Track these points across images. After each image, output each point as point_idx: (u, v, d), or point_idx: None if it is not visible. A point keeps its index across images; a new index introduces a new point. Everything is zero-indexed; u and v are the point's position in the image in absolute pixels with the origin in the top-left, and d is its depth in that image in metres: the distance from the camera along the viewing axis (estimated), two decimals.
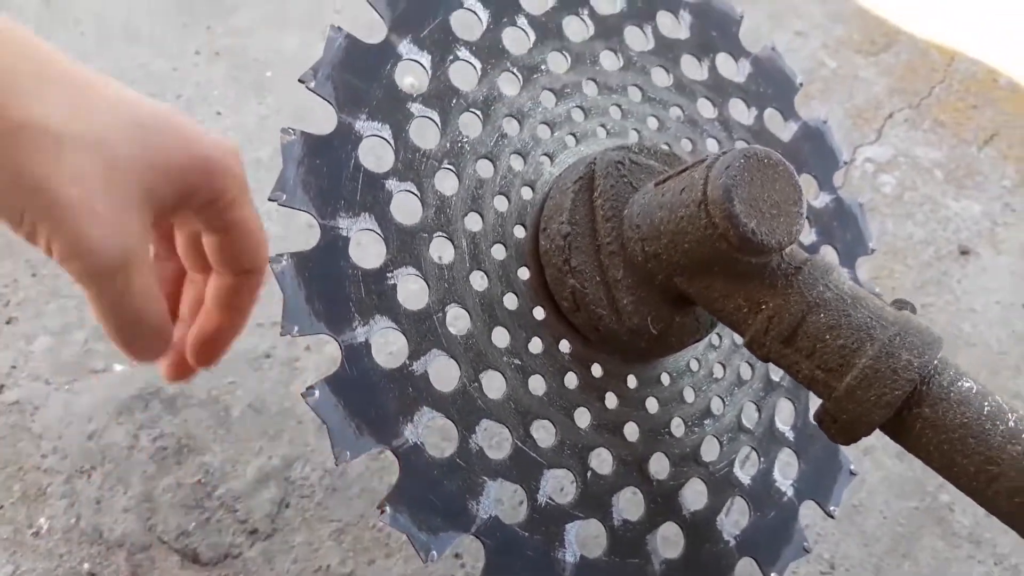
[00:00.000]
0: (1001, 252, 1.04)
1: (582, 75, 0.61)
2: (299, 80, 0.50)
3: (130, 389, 0.78)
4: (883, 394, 0.47)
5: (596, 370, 0.58)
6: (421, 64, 0.55)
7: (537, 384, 0.55)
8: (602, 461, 0.57)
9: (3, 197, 0.33)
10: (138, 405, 0.77)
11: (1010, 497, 0.47)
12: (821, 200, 0.71)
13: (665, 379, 0.61)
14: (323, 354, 0.82)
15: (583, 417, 0.56)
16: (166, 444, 0.76)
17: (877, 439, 0.56)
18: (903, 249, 1.02)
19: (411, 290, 0.53)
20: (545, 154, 0.58)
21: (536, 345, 0.56)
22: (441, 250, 0.53)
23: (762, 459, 0.64)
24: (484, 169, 0.56)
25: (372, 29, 0.55)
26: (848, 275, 0.71)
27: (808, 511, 0.67)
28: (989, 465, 0.47)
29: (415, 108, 0.54)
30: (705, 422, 0.62)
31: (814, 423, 0.52)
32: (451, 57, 0.56)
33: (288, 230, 0.89)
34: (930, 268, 1.01)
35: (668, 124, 0.64)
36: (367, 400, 0.48)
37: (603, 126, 0.61)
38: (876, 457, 0.85)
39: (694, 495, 0.61)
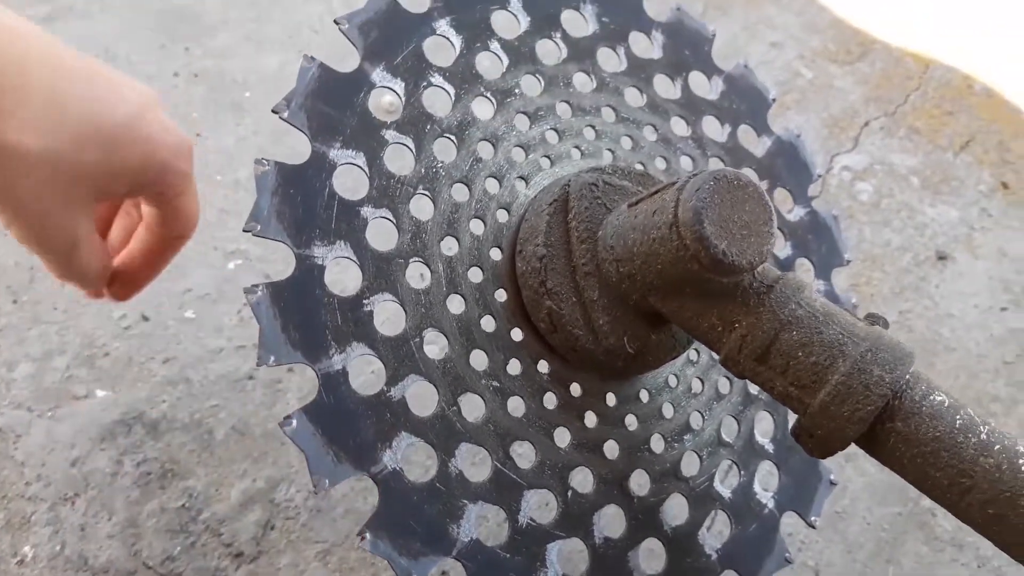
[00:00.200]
0: (978, 257, 1.05)
1: (556, 97, 0.62)
2: (272, 111, 0.51)
3: (113, 414, 0.78)
4: (856, 410, 0.48)
5: (575, 389, 0.58)
6: (395, 91, 0.55)
7: (516, 405, 0.55)
8: (583, 480, 0.57)
9: None
10: (121, 430, 0.77)
11: (983, 508, 0.48)
12: (796, 214, 0.72)
13: (644, 396, 0.61)
14: (306, 376, 0.82)
15: (563, 437, 0.57)
16: (150, 469, 0.76)
17: None
18: (881, 256, 1.03)
19: (388, 316, 0.54)
20: (520, 177, 0.59)
21: (514, 367, 0.56)
22: (417, 275, 0.54)
23: (742, 472, 0.65)
24: (459, 193, 0.56)
25: (351, 50, 0.55)
26: (824, 287, 0.72)
27: (792, 519, 0.68)
28: (962, 478, 0.48)
29: (389, 135, 0.54)
30: (685, 437, 0.62)
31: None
32: (424, 83, 0.56)
33: (267, 250, 0.89)
34: (908, 274, 1.02)
35: (642, 143, 0.65)
36: (345, 428, 0.48)
37: (577, 147, 0.62)
38: (858, 464, 0.86)
39: (675, 510, 0.61)
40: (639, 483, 0.60)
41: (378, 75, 0.54)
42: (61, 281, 0.48)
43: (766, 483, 0.66)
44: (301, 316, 0.48)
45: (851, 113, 1.18)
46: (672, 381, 0.63)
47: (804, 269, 0.72)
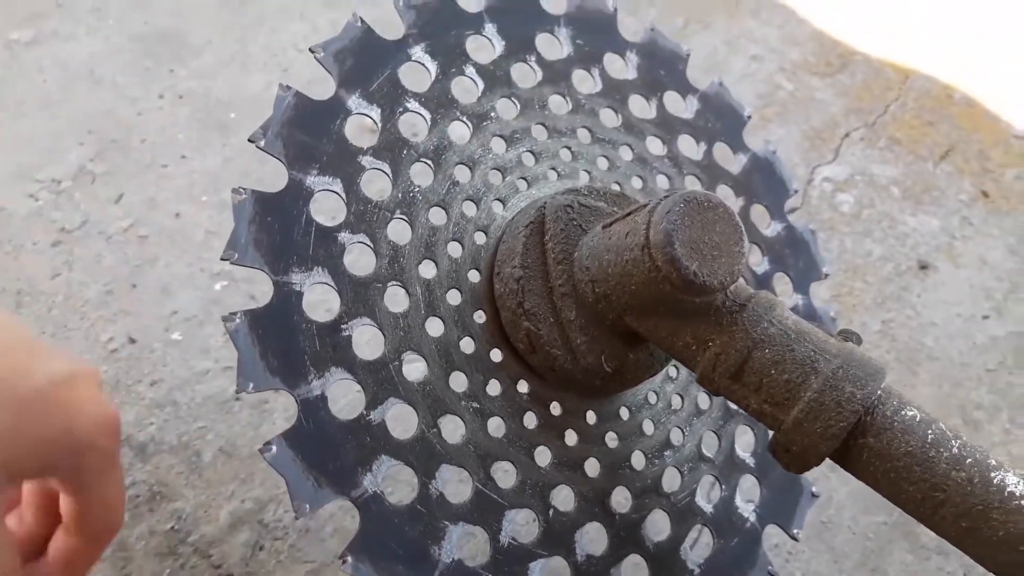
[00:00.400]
0: (960, 266, 1.06)
1: (531, 120, 0.62)
2: (249, 140, 0.51)
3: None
4: (828, 426, 0.49)
5: (555, 408, 0.59)
6: (371, 117, 0.56)
7: (496, 426, 0.56)
8: (564, 498, 0.58)
9: None
10: None
11: (956, 522, 0.49)
12: (772, 229, 0.73)
13: (624, 413, 0.62)
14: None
15: (543, 456, 0.57)
16: (138, 492, 0.76)
17: None
18: (862, 266, 1.04)
19: (366, 340, 0.54)
20: (497, 199, 0.60)
21: (494, 387, 0.57)
22: (395, 299, 0.54)
23: (723, 487, 0.65)
24: (437, 217, 0.57)
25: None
26: (802, 301, 0.72)
27: (778, 530, 0.68)
28: (935, 492, 0.49)
29: (366, 161, 0.55)
30: (665, 453, 0.63)
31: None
32: (400, 109, 0.57)
33: (253, 271, 0.90)
34: (890, 284, 1.03)
35: (618, 163, 0.66)
36: (325, 452, 0.49)
37: (554, 169, 0.63)
38: (843, 474, 0.86)
39: (657, 526, 0.62)
40: (621, 500, 0.60)
41: (354, 102, 0.55)
42: None
43: (747, 497, 0.66)
44: (279, 343, 0.49)
45: (832, 125, 1.19)
46: (652, 398, 0.63)
47: (783, 284, 0.73)
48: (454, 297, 0.56)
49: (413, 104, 0.58)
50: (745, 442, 0.68)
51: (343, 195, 0.53)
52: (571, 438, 0.59)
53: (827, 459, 0.51)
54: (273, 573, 0.73)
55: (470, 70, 0.61)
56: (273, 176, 0.52)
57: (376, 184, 0.57)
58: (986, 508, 0.48)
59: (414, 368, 0.54)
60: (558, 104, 0.64)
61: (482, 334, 0.57)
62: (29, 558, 0.46)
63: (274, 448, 0.47)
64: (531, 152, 0.62)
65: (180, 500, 0.76)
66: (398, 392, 0.52)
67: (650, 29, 0.71)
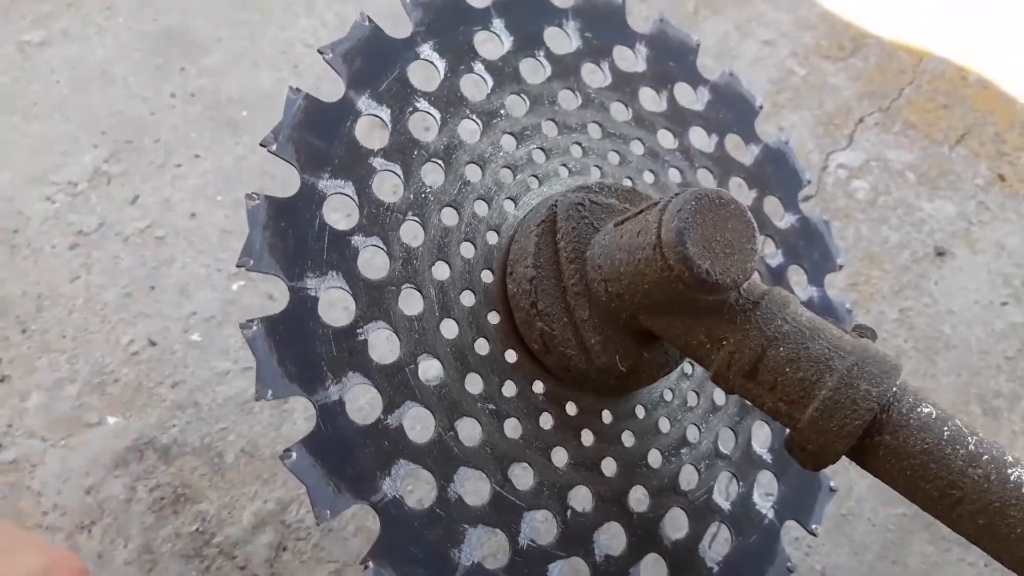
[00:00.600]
0: (977, 251, 1.05)
1: (541, 116, 0.62)
2: (261, 144, 0.51)
3: (124, 441, 0.79)
4: (844, 424, 0.49)
5: (571, 408, 0.59)
6: (381, 118, 0.56)
7: (513, 427, 0.56)
8: (581, 498, 0.58)
9: None
10: (133, 456, 0.78)
11: (973, 519, 0.49)
12: (786, 221, 0.72)
13: (640, 411, 0.62)
14: None
15: (560, 456, 0.58)
16: (163, 494, 0.77)
17: None
18: (879, 254, 1.03)
19: (382, 344, 0.55)
20: (509, 198, 0.60)
21: (510, 388, 0.57)
22: (410, 301, 0.55)
23: (741, 483, 0.65)
24: (449, 217, 0.57)
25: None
26: (817, 293, 0.72)
27: (797, 524, 0.68)
28: (952, 489, 0.48)
29: (377, 163, 0.55)
30: (682, 451, 0.63)
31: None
32: (410, 109, 0.57)
33: None
34: (907, 272, 1.02)
35: (629, 158, 0.66)
36: (344, 458, 0.49)
37: (565, 165, 0.62)
38: None
39: (675, 524, 0.62)
40: (638, 499, 0.60)
41: (364, 103, 0.55)
42: None
43: (765, 493, 0.66)
44: (297, 349, 0.49)
45: (845, 110, 1.18)
46: (667, 395, 0.63)
47: (797, 276, 0.73)
48: (468, 298, 0.56)
49: (423, 103, 0.57)
50: (762, 438, 0.68)
51: (355, 198, 0.53)
52: (587, 438, 0.59)
53: (838, 460, 0.51)
54: (297, 573, 0.74)
55: (479, 67, 0.60)
56: (288, 173, 0.52)
57: (388, 185, 0.57)
58: (1003, 505, 0.47)
59: (430, 371, 0.54)
60: (568, 99, 0.64)
61: (496, 335, 0.57)
62: None
63: (294, 455, 0.47)
64: (542, 149, 0.62)
65: (204, 502, 0.77)
66: (415, 395, 0.53)
67: (659, 20, 0.71)
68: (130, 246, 0.91)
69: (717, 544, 0.64)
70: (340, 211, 0.56)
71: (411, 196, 0.56)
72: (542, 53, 0.64)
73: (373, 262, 0.54)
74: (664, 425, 0.63)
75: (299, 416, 0.82)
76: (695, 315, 0.52)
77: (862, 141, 1.15)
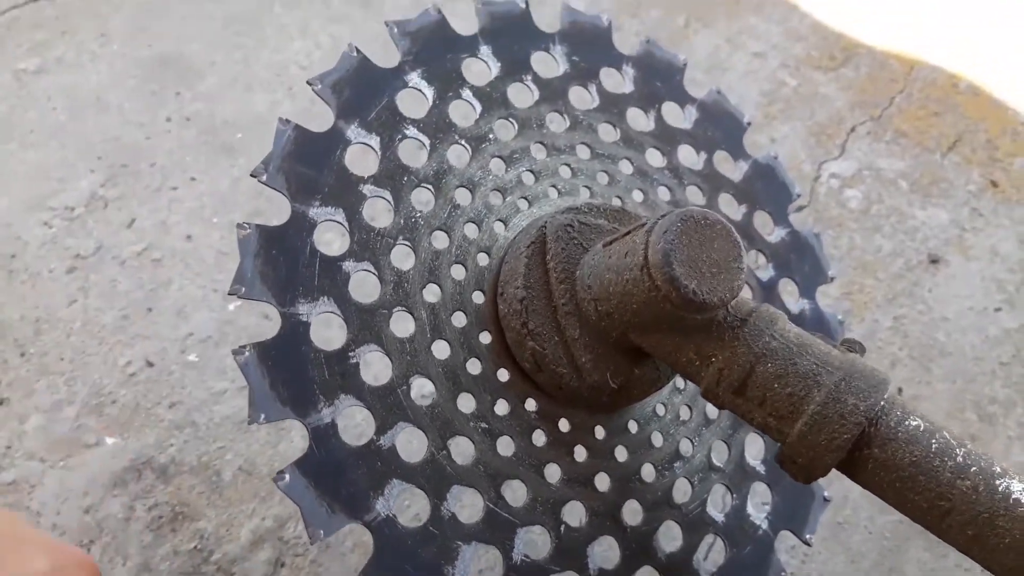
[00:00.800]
0: (970, 258, 1.06)
1: (530, 139, 0.63)
2: (251, 175, 0.52)
3: (122, 461, 0.80)
4: (833, 438, 0.49)
5: (563, 425, 0.59)
6: (371, 146, 0.57)
7: (505, 445, 0.57)
8: (575, 514, 0.58)
9: None
10: (131, 476, 0.79)
11: (963, 529, 0.49)
12: (776, 235, 0.73)
13: (633, 427, 0.62)
14: None
15: (553, 473, 0.58)
16: (161, 513, 0.78)
17: None
18: (872, 263, 1.04)
19: (374, 366, 0.55)
20: (499, 219, 0.60)
21: (502, 407, 0.57)
22: (401, 324, 0.55)
23: (734, 495, 0.66)
24: (439, 240, 0.58)
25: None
26: (809, 306, 0.73)
27: (792, 534, 0.69)
28: (940, 500, 0.49)
29: (367, 189, 0.56)
30: (675, 465, 0.63)
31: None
32: (399, 136, 0.58)
33: None
34: (901, 280, 1.03)
35: (618, 178, 0.66)
36: (337, 479, 0.50)
37: (554, 186, 0.63)
38: None
39: (669, 537, 0.62)
40: (632, 513, 0.61)
41: (353, 132, 0.56)
42: None
43: (759, 505, 0.67)
44: (289, 373, 0.50)
45: (837, 119, 1.19)
46: (660, 410, 0.64)
47: (789, 289, 0.73)
48: (459, 319, 0.57)
49: (412, 130, 0.58)
50: (755, 450, 0.69)
51: (346, 224, 0.54)
52: (580, 454, 0.60)
53: (828, 473, 0.52)
54: None
55: (467, 93, 0.61)
56: (282, 198, 0.53)
57: (378, 211, 0.57)
58: (992, 515, 0.48)
59: (422, 391, 0.55)
60: (556, 122, 0.65)
61: (488, 355, 0.58)
62: None
63: (287, 477, 0.48)
64: (531, 171, 0.62)
65: (202, 520, 0.77)
66: (407, 416, 0.53)
67: (646, 41, 0.72)
68: (127, 269, 0.92)
69: (712, 556, 0.65)
70: (332, 237, 0.56)
71: (401, 221, 0.57)
72: (529, 78, 0.65)
73: (364, 286, 0.55)
74: (657, 439, 0.63)
75: (296, 435, 0.83)
76: (684, 333, 0.53)
77: (854, 150, 1.16)
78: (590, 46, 0.68)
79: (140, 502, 0.78)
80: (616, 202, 0.65)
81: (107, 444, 0.81)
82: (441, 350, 0.56)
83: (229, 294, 0.50)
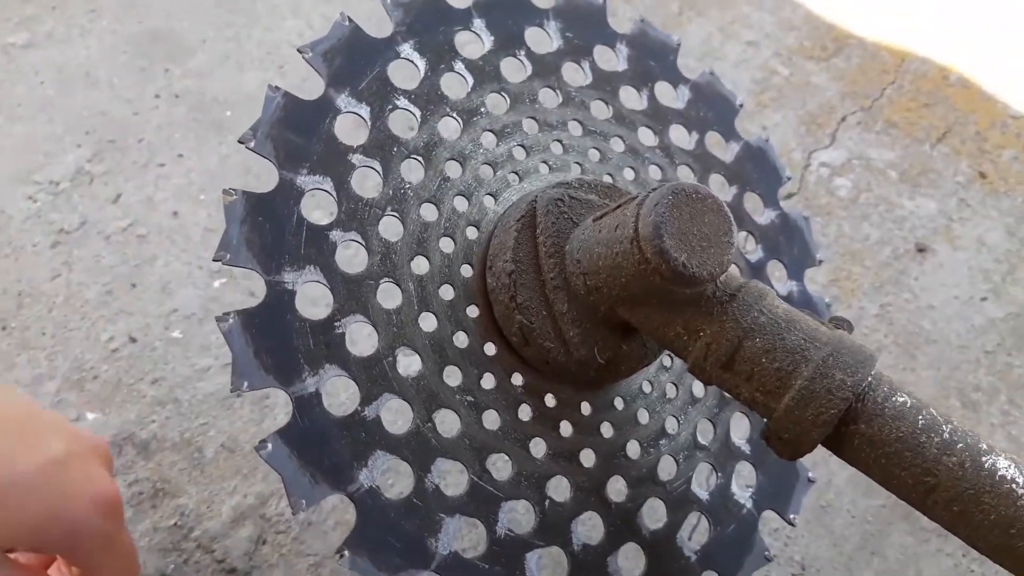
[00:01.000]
0: (957, 248, 1.06)
1: (522, 114, 0.63)
2: (239, 141, 0.52)
3: (103, 436, 0.79)
4: (820, 413, 0.49)
5: (549, 400, 0.59)
6: (361, 116, 0.56)
7: (491, 419, 0.56)
8: (560, 489, 0.58)
9: None
10: (112, 451, 0.78)
11: (948, 506, 0.49)
12: (766, 217, 0.73)
13: (619, 403, 0.62)
14: None
15: (539, 447, 0.58)
16: (142, 489, 0.77)
17: None
18: (860, 251, 1.04)
19: (360, 337, 0.55)
20: (489, 194, 0.60)
21: (488, 381, 0.57)
22: (388, 295, 0.55)
23: (719, 474, 0.66)
24: (428, 213, 0.57)
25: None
26: (797, 288, 0.73)
27: (777, 515, 0.69)
28: (926, 477, 0.49)
29: (356, 159, 0.55)
30: (661, 442, 0.63)
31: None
32: (390, 107, 0.57)
33: None
34: (888, 268, 1.03)
35: (610, 155, 0.66)
36: (320, 449, 0.49)
37: (545, 162, 0.63)
38: None
39: (653, 515, 0.62)
40: (616, 489, 0.61)
41: (343, 101, 0.55)
42: None
43: (743, 484, 0.67)
44: (273, 341, 0.49)
45: (828, 109, 1.19)
46: (646, 387, 0.64)
47: (777, 271, 0.73)
48: (447, 292, 0.57)
49: (403, 101, 0.58)
50: (741, 429, 0.69)
51: (334, 193, 0.54)
52: (566, 429, 0.59)
53: (814, 448, 0.52)
54: (276, 567, 0.74)
55: (459, 66, 0.61)
56: (271, 172, 0.52)
57: (367, 182, 0.57)
58: (977, 492, 0.48)
59: (408, 363, 0.55)
60: (549, 97, 0.64)
61: (475, 328, 0.57)
62: None
63: (270, 446, 0.47)
64: (522, 146, 0.62)
65: (183, 496, 0.77)
66: (392, 388, 0.53)
67: (640, 20, 0.71)
68: (112, 244, 0.91)
69: (697, 534, 0.65)
70: (319, 206, 0.56)
71: (390, 192, 0.56)
72: (523, 52, 0.64)
73: (351, 257, 0.55)
74: (643, 416, 0.63)
75: (280, 411, 0.82)
76: (672, 307, 0.52)
77: (844, 140, 1.16)
78: (584, 23, 0.67)
79: (120, 478, 0.77)
80: (607, 179, 0.65)
81: (88, 419, 0.80)
82: (428, 323, 0.56)
83: (214, 259, 0.49)
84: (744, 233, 0.72)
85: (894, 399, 0.50)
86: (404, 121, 0.59)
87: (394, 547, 0.50)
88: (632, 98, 0.69)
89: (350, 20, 0.57)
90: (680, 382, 0.66)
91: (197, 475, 0.78)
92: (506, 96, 0.62)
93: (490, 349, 0.58)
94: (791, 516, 0.68)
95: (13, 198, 0.93)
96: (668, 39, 0.72)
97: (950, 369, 0.95)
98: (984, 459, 0.49)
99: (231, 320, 0.48)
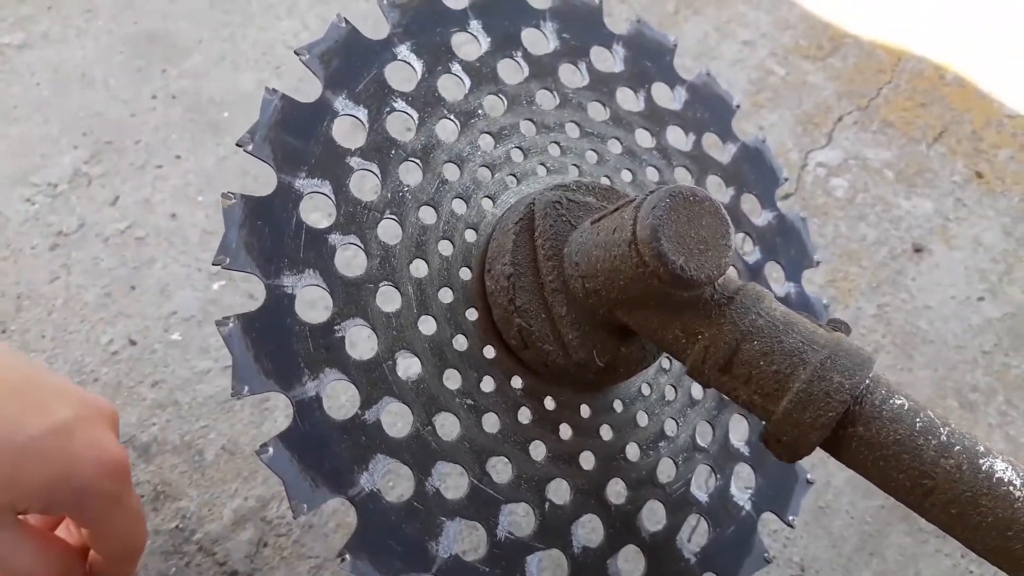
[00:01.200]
0: (954, 247, 1.07)
1: (519, 116, 0.63)
2: (237, 144, 0.52)
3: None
4: (818, 416, 0.49)
5: (549, 403, 0.59)
6: (358, 118, 0.56)
7: (491, 422, 0.57)
8: (560, 492, 0.58)
9: None
10: None
11: (946, 509, 0.49)
12: (763, 218, 0.73)
13: (618, 406, 0.62)
14: None
15: (538, 450, 0.58)
16: (142, 492, 0.77)
17: None
18: (857, 251, 1.04)
19: (360, 340, 0.55)
20: (487, 196, 0.60)
21: (488, 384, 0.57)
22: (388, 298, 0.55)
23: (718, 476, 0.66)
24: (427, 216, 0.57)
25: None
26: (794, 289, 0.73)
27: (776, 517, 0.69)
28: (924, 479, 0.49)
29: (354, 162, 0.55)
30: (660, 444, 0.63)
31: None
32: (387, 109, 0.57)
33: None
34: (885, 268, 1.03)
35: (607, 157, 0.66)
36: (321, 453, 0.49)
37: (543, 164, 0.63)
38: None
39: (653, 517, 0.62)
40: (616, 492, 0.61)
41: (340, 103, 0.55)
42: None
43: (742, 486, 0.67)
44: (273, 345, 0.49)
45: (824, 109, 1.19)
46: (645, 390, 0.64)
47: (775, 273, 0.73)
48: (446, 295, 0.57)
49: (400, 104, 0.58)
50: (739, 431, 0.69)
51: (332, 197, 0.54)
52: (565, 432, 0.60)
53: (812, 451, 0.52)
54: (277, 569, 0.74)
55: (456, 68, 0.61)
56: (268, 174, 0.52)
57: (365, 185, 0.57)
58: (975, 495, 0.48)
59: (408, 367, 0.55)
60: (546, 99, 0.65)
61: (475, 331, 0.57)
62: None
63: (271, 450, 0.48)
64: (519, 148, 0.62)
65: (184, 499, 0.77)
66: (392, 391, 0.53)
67: (636, 21, 0.71)
68: (110, 247, 0.91)
69: (696, 536, 0.65)
70: (316, 210, 0.56)
71: (389, 195, 0.56)
72: (520, 54, 0.64)
73: (350, 260, 0.55)
74: (642, 419, 0.63)
75: (280, 414, 0.82)
76: (671, 310, 0.53)
77: (841, 140, 1.16)
78: (581, 24, 0.68)
79: None
80: (605, 181, 0.65)
81: None
82: (427, 326, 0.56)
83: (214, 264, 0.49)
84: (742, 235, 0.72)
85: (892, 401, 0.50)
86: (402, 123, 0.59)
87: (395, 550, 0.50)
88: (629, 99, 0.69)
89: (346, 21, 0.57)
90: (679, 384, 0.66)
91: (198, 478, 0.78)
92: (503, 98, 0.62)
93: (489, 352, 0.58)
94: (790, 517, 0.68)
95: (10, 200, 0.93)
96: (664, 39, 0.72)
97: (947, 369, 0.95)
98: (981, 461, 0.49)
99: (231, 324, 0.48)
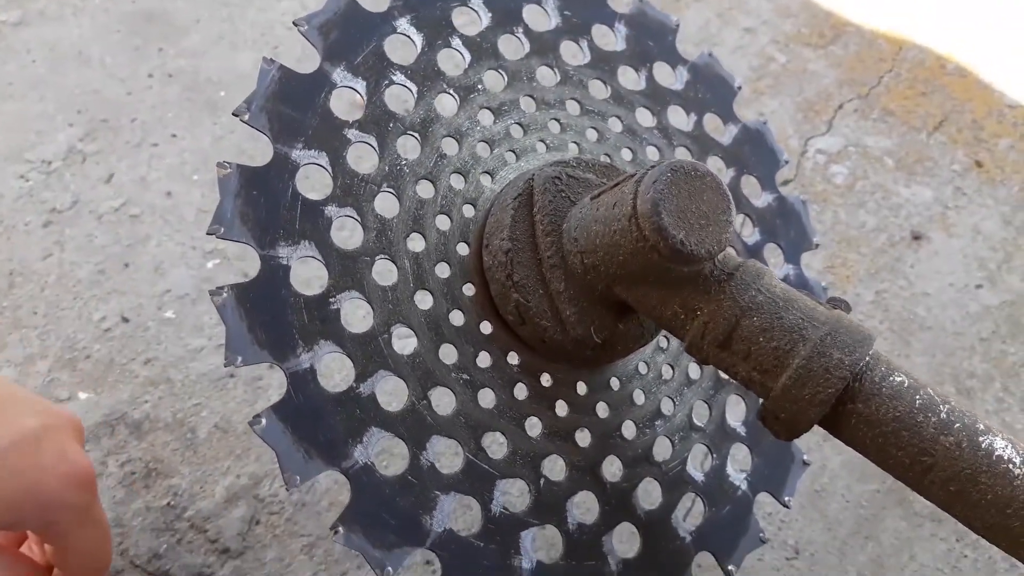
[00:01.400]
0: (953, 235, 1.06)
1: (519, 92, 0.62)
2: (233, 114, 0.51)
3: (96, 416, 0.79)
4: (817, 392, 0.49)
5: (545, 379, 0.59)
6: (356, 90, 0.56)
7: (487, 397, 0.56)
8: (555, 468, 0.58)
9: None
10: (104, 431, 0.78)
11: (945, 486, 0.49)
12: (763, 200, 0.73)
13: (615, 384, 0.62)
14: None
15: (534, 426, 0.58)
16: (134, 469, 0.76)
17: None
18: (856, 238, 1.04)
19: (355, 313, 0.54)
20: (485, 171, 0.59)
21: (484, 359, 0.57)
22: (384, 272, 0.54)
23: (714, 455, 0.66)
24: (424, 190, 0.57)
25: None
26: (793, 271, 0.72)
27: (771, 499, 0.69)
28: (923, 456, 0.49)
29: (352, 134, 0.54)
30: (656, 423, 0.63)
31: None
32: (386, 82, 0.57)
33: (245, 248, 0.90)
34: (883, 255, 1.03)
35: (607, 135, 0.66)
36: (315, 425, 0.49)
37: (542, 141, 0.62)
38: (836, 443, 0.86)
39: (648, 495, 0.62)
40: (612, 469, 0.61)
41: (339, 75, 0.55)
42: None
43: (738, 466, 0.67)
44: (267, 316, 0.49)
45: (825, 96, 1.19)
46: (642, 368, 0.64)
47: (774, 255, 0.73)
48: (443, 270, 0.56)
49: (399, 77, 0.57)
50: (737, 412, 0.68)
51: (329, 168, 0.53)
52: (562, 408, 0.59)
53: (818, 426, 0.51)
54: (269, 547, 0.74)
55: (456, 42, 0.60)
56: (264, 153, 0.52)
57: (363, 157, 0.56)
58: (974, 472, 0.48)
59: (404, 341, 0.54)
60: (546, 76, 0.64)
61: (472, 306, 0.57)
62: None
63: (264, 421, 0.47)
64: (519, 124, 0.62)
65: (176, 476, 0.76)
66: (388, 365, 0.52)
67: (639, 0, 0.71)
68: (104, 224, 0.90)
69: (692, 516, 0.64)
70: (314, 181, 0.55)
71: (386, 168, 0.56)
72: (520, 30, 0.64)
73: (347, 233, 0.54)
74: (639, 397, 0.63)
75: (273, 393, 0.82)
76: (670, 286, 0.52)
77: (841, 127, 1.16)
78: (582, 1, 0.67)
79: (113, 458, 0.77)
80: (604, 159, 0.64)
81: (80, 399, 0.80)
82: (424, 300, 0.55)
83: (208, 233, 0.49)
84: (741, 216, 0.71)
85: (891, 379, 0.50)
86: (400, 97, 0.58)
87: (389, 524, 0.50)
88: (630, 78, 0.69)
89: None
90: (676, 363, 0.65)
91: (190, 455, 0.78)
92: (503, 74, 0.62)
93: (486, 328, 0.57)
94: (786, 498, 0.68)
95: (4, 177, 0.92)
96: (667, 19, 0.72)
97: (945, 356, 0.95)
98: (981, 439, 0.49)
99: (225, 294, 0.48)
